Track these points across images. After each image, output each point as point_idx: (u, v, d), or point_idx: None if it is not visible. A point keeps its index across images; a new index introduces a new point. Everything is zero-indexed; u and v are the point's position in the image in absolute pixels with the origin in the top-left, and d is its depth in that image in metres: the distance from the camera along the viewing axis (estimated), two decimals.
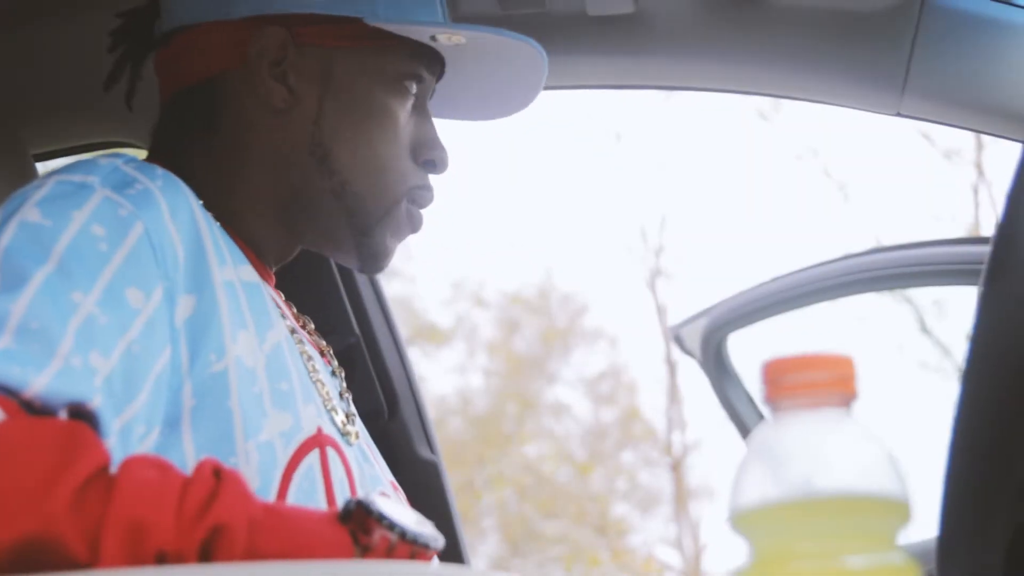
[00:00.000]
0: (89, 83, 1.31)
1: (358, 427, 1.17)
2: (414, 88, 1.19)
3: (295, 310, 1.24)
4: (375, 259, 1.20)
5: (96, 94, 1.28)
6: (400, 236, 1.21)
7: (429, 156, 1.20)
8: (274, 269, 1.22)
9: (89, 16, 1.57)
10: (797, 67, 1.49)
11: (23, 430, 0.82)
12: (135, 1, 1.27)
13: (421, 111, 1.22)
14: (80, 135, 1.75)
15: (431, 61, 1.20)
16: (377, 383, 1.82)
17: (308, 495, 1.03)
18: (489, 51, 1.21)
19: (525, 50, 1.20)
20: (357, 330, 1.81)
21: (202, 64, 1.18)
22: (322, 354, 1.21)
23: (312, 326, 1.25)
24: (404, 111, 1.19)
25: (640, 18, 1.50)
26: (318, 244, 1.21)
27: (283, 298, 1.23)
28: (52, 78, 1.64)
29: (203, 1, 1.17)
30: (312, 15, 1.16)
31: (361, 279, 1.83)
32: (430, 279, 12.44)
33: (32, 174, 1.59)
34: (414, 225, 1.21)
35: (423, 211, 1.22)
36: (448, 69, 1.25)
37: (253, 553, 0.83)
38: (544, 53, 1.21)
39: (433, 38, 1.17)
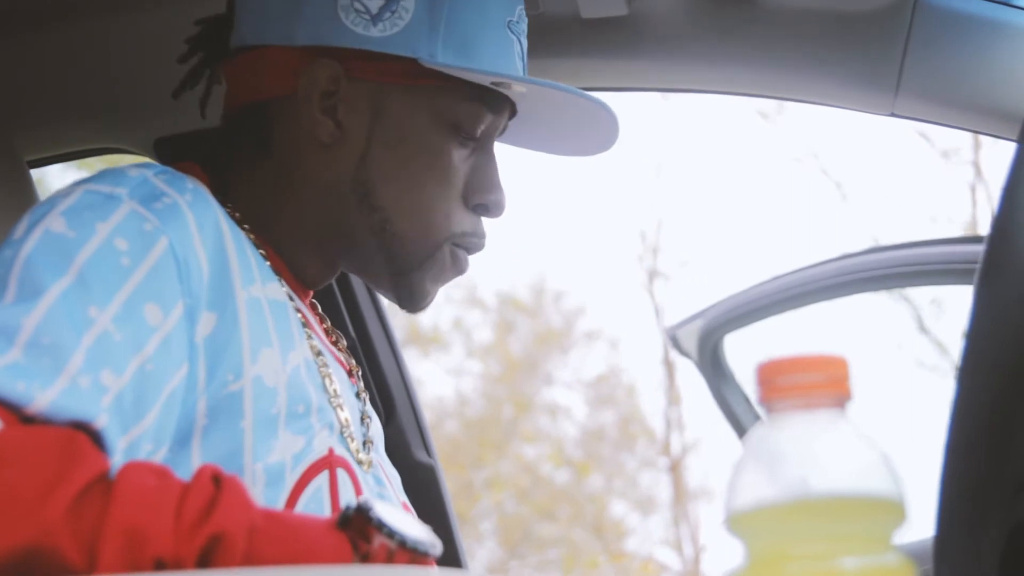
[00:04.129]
0: (84, 89, 1.31)
1: (375, 455, 1.16)
2: (477, 131, 1.15)
3: (328, 324, 1.23)
4: (413, 300, 1.17)
5: (91, 100, 1.28)
6: (443, 279, 1.17)
7: (483, 200, 1.16)
8: (313, 290, 1.20)
9: (83, 22, 1.57)
10: (790, 68, 1.49)
11: (21, 439, 0.82)
12: (128, 8, 1.27)
13: (483, 151, 1.18)
14: (74, 141, 1.75)
15: (496, 102, 1.16)
16: (374, 387, 1.82)
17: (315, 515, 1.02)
18: (559, 98, 1.17)
19: (594, 112, 1.17)
20: (353, 334, 1.81)
21: (259, 86, 1.16)
22: (350, 374, 1.19)
23: (344, 342, 1.23)
24: (459, 153, 1.15)
25: (634, 20, 1.49)
26: (354, 273, 1.20)
27: (317, 312, 1.21)
28: (46, 84, 1.64)
29: (269, 24, 1.15)
30: (369, 51, 1.12)
31: (357, 282, 1.83)
32: None
33: (27, 181, 1.58)
34: (459, 269, 1.18)
35: (471, 256, 1.18)
36: (521, 107, 1.21)
37: (252, 560, 0.83)
38: (614, 113, 1.17)
39: (495, 85, 1.14)
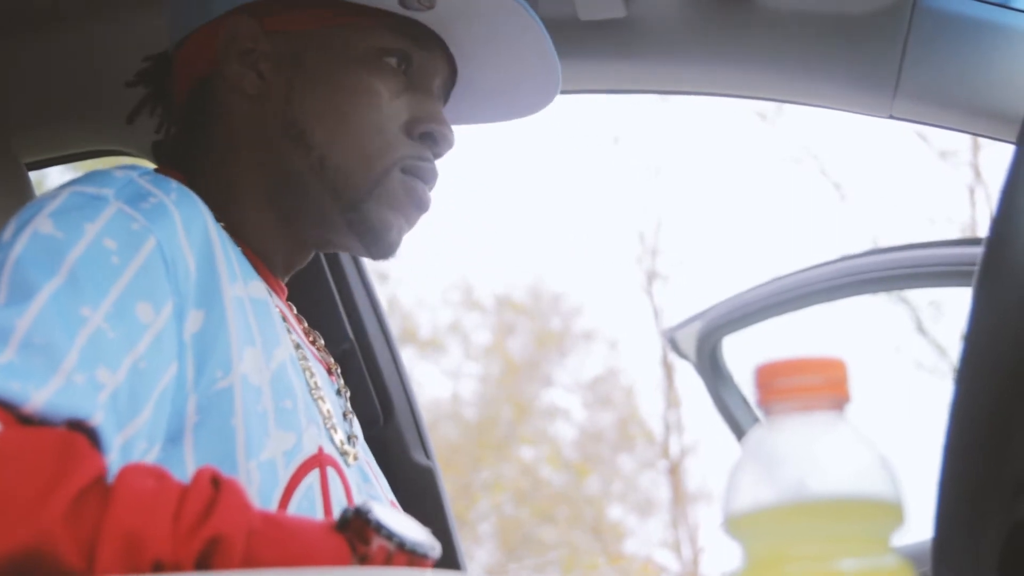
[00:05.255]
0: (81, 92, 1.31)
1: (359, 448, 1.17)
2: (399, 64, 1.18)
3: (305, 324, 1.23)
4: (375, 235, 1.17)
5: (88, 103, 1.29)
6: (402, 211, 1.18)
7: (426, 128, 1.18)
8: (285, 280, 1.21)
9: (81, 25, 1.57)
10: (788, 70, 1.49)
11: (18, 441, 0.82)
12: (125, 10, 1.28)
13: (420, 90, 1.19)
14: (72, 144, 1.75)
15: (417, 35, 1.19)
16: (372, 389, 1.82)
17: (307, 515, 1.02)
18: (482, 27, 1.20)
19: (528, 29, 1.19)
20: (351, 336, 1.81)
21: (190, 71, 1.20)
22: (329, 372, 1.20)
23: (322, 342, 1.24)
24: (386, 86, 1.17)
25: (631, 22, 1.50)
26: (317, 235, 1.20)
27: (294, 311, 1.22)
28: (44, 87, 1.64)
29: (187, 12, 1.20)
30: (281, 1, 1.17)
31: (355, 284, 1.83)
32: (424, 283, 12.43)
33: (25, 183, 1.58)
34: (417, 200, 1.18)
35: (428, 189, 1.19)
36: (460, 66, 1.24)
37: (250, 562, 0.83)
38: (540, 23, 1.19)
39: (404, 5, 1.16)
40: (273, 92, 1.17)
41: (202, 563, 0.82)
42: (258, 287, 1.09)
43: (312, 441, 1.05)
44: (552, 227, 12.54)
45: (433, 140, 1.19)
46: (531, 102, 1.31)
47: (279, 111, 1.16)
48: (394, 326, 1.93)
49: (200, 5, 1.19)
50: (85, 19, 1.56)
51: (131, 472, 0.84)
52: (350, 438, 1.15)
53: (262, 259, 1.16)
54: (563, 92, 1.64)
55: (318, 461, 1.05)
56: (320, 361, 1.19)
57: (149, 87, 1.28)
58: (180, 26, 1.21)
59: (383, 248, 1.19)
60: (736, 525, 0.63)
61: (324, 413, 1.10)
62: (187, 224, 1.02)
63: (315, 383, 1.11)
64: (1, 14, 1.54)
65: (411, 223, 1.20)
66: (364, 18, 1.17)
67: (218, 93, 1.18)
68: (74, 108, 1.66)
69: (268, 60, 1.17)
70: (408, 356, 9.98)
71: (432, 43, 1.20)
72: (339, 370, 1.24)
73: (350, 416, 1.19)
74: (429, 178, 1.19)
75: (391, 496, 1.22)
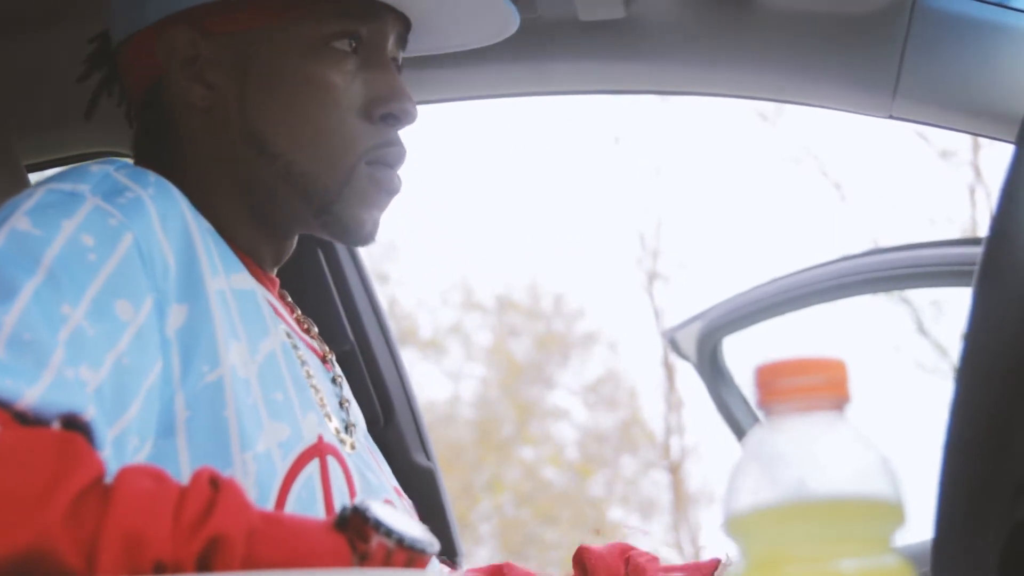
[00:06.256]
0: (81, 93, 1.31)
1: (357, 436, 1.16)
2: (349, 45, 1.14)
3: (298, 313, 1.22)
4: (349, 233, 1.16)
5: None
6: (374, 203, 1.16)
7: (387, 110, 1.15)
8: (274, 271, 1.20)
9: (81, 25, 1.56)
10: (788, 71, 1.49)
11: (17, 441, 0.81)
12: None
13: (373, 65, 1.16)
14: (72, 145, 1.75)
15: (365, 12, 1.15)
16: (372, 390, 1.82)
17: (307, 505, 1.02)
18: None
19: None
20: (352, 337, 1.81)
21: (133, 78, 1.18)
22: (324, 360, 1.20)
23: (316, 330, 1.23)
24: (340, 74, 1.13)
25: (631, 23, 1.50)
26: (294, 230, 1.18)
27: (285, 300, 1.21)
28: (44, 88, 1.64)
29: (125, 15, 1.17)
30: (219, 2, 1.13)
31: (355, 284, 1.83)
32: (425, 283, 12.42)
33: (25, 184, 1.58)
34: (387, 187, 1.16)
35: (396, 170, 1.16)
36: (412, 19, 1.20)
37: (251, 562, 0.83)
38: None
39: None
40: (225, 102, 1.14)
41: (203, 563, 0.81)
42: (241, 279, 1.08)
43: (311, 430, 1.05)
44: (553, 228, 12.54)
45: (395, 119, 1.16)
46: (486, 35, 1.27)
47: (235, 121, 1.13)
48: (394, 327, 1.93)
49: (135, 9, 1.16)
50: (85, 19, 1.55)
51: (130, 473, 0.84)
52: (347, 427, 1.15)
53: (247, 253, 1.15)
54: (563, 92, 1.65)
55: (318, 450, 1.05)
56: (314, 351, 1.18)
57: (100, 71, 1.26)
58: (118, 27, 1.18)
59: (358, 240, 1.17)
60: (736, 525, 0.63)
61: (318, 401, 1.10)
62: (164, 218, 1.01)
63: (307, 372, 1.11)
64: (1, 14, 1.53)
65: (384, 209, 1.18)
66: (307, 7, 1.13)
67: (169, 104, 1.16)
68: (75, 110, 1.65)
69: (214, 67, 1.14)
70: (409, 357, 9.97)
71: (379, 10, 1.16)
72: (334, 358, 1.23)
73: (347, 404, 1.18)
74: (396, 161, 1.16)
75: (394, 483, 1.21)
